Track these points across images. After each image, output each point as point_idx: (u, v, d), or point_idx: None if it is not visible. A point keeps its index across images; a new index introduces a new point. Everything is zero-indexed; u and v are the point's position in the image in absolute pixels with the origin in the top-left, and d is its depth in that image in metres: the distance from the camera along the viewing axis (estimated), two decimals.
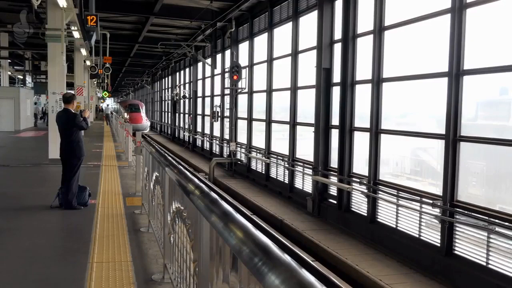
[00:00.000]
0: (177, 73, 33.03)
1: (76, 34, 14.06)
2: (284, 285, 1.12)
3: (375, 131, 9.53)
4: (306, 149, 12.83)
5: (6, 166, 10.93)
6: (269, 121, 15.32)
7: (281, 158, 14.32)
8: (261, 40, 16.46)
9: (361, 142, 10.21)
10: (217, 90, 21.81)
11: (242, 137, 18.08)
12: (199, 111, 26.01)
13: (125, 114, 34.38)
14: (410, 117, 10.00)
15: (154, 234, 5.02)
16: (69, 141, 6.55)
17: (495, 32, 7.46)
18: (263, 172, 15.49)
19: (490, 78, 7.47)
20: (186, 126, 28.38)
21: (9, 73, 32.62)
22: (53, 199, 6.63)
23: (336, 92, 11.12)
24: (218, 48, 21.45)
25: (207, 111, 23.45)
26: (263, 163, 15.52)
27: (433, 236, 7.92)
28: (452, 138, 7.52)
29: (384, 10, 9.43)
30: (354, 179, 10.20)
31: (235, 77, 16.65)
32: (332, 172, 11.15)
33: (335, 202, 10.81)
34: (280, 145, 14.79)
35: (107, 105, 74.64)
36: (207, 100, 23.92)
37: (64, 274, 4.15)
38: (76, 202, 6.56)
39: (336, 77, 11.07)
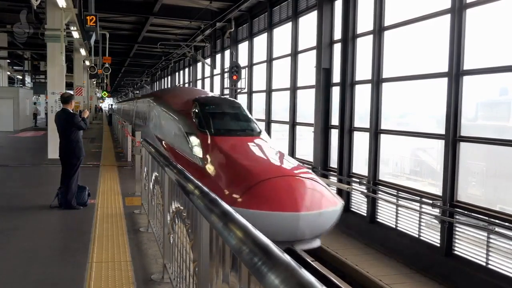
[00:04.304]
0: (177, 73, 33.02)
1: (76, 34, 14.06)
2: (284, 284, 1.12)
3: (375, 131, 9.53)
4: (305, 149, 12.82)
5: (5, 166, 10.91)
6: (268, 121, 15.31)
7: None
8: (260, 40, 16.46)
9: (361, 142, 10.20)
10: (217, 90, 21.81)
11: None
12: None
13: (188, 140, 7.79)
14: (410, 117, 9.99)
15: (154, 234, 5.00)
16: (68, 141, 6.54)
17: (495, 32, 7.46)
18: None
19: (490, 79, 7.46)
20: None
21: (8, 73, 32.62)
22: (52, 199, 6.62)
23: (335, 92, 11.11)
24: (218, 48, 21.44)
25: None
26: None
27: (433, 236, 7.92)
28: (452, 138, 7.51)
29: (384, 10, 9.43)
30: (353, 179, 10.19)
31: (234, 77, 16.64)
32: (331, 172, 11.14)
33: None
34: (280, 145, 14.75)
35: (111, 105, 66.80)
36: None
37: (64, 274, 4.14)
38: (75, 202, 6.55)
39: (336, 77, 11.06)
